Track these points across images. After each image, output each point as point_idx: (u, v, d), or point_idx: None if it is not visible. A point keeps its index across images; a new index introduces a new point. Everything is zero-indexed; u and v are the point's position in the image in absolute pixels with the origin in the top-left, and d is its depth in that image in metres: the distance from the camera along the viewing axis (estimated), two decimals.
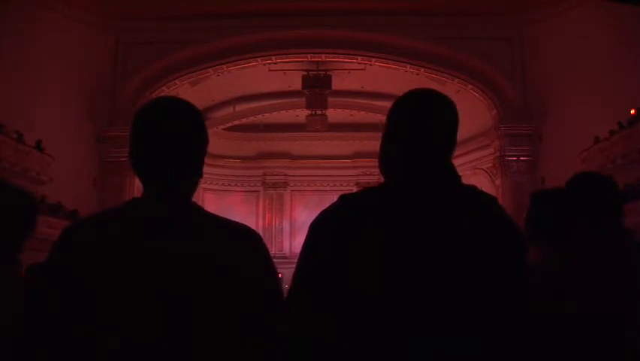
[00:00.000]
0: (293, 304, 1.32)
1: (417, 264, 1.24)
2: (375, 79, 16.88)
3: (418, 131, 1.37)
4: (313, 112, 17.97)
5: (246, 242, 1.35)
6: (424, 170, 1.35)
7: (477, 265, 1.25)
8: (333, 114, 18.61)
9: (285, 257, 19.41)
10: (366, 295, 1.24)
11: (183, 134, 1.37)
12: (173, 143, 1.34)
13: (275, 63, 16.14)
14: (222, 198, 20.45)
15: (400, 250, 1.25)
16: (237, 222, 1.40)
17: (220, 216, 1.39)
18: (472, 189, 1.38)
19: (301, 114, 18.85)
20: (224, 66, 15.72)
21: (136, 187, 15.15)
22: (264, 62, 15.89)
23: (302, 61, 16.45)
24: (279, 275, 1.39)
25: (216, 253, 1.28)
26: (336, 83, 17.05)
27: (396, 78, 15.80)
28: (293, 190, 22.64)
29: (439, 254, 1.25)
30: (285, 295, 1.35)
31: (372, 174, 21.51)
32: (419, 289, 1.23)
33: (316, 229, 1.36)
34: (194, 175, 1.40)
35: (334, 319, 1.26)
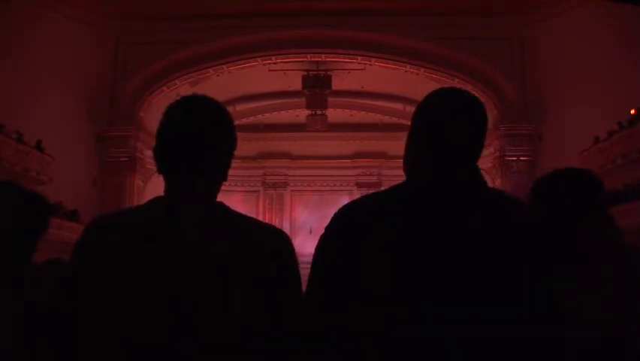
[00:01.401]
0: (309, 306, 1.30)
1: (431, 264, 1.24)
2: (375, 79, 16.88)
3: (444, 131, 1.35)
4: (313, 112, 17.96)
5: (270, 243, 1.33)
6: (449, 171, 1.34)
7: (494, 269, 1.24)
8: (333, 114, 18.60)
9: None
10: (376, 295, 1.24)
11: (206, 133, 1.34)
12: (195, 141, 1.32)
13: (275, 63, 16.15)
14: (222, 198, 20.20)
15: (415, 249, 1.25)
16: (265, 223, 1.39)
17: (247, 216, 1.38)
18: (500, 192, 1.38)
19: (301, 114, 18.84)
20: (224, 66, 15.73)
21: (135, 187, 15.17)
22: (264, 62, 15.89)
23: (302, 61, 16.44)
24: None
25: (233, 254, 1.27)
26: (336, 83, 17.04)
27: (397, 78, 15.82)
28: (293, 190, 22.63)
29: (455, 255, 1.24)
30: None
31: (372, 174, 21.52)
32: (431, 290, 1.22)
33: (331, 228, 1.35)
34: (219, 175, 1.38)
35: (346, 318, 1.26)
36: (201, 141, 1.33)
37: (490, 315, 1.22)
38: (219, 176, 1.39)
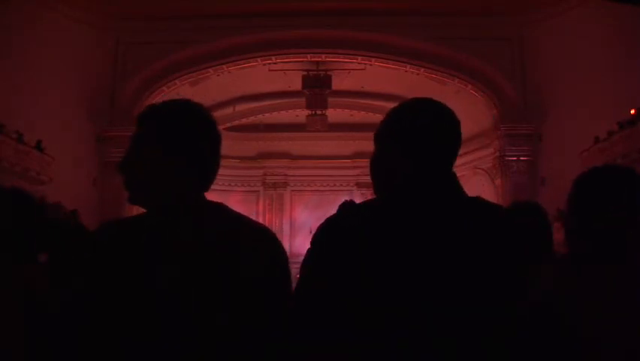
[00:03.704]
0: (296, 318, 1.30)
1: (428, 267, 1.24)
2: (375, 79, 16.87)
3: (430, 136, 1.39)
4: (313, 112, 17.95)
5: (256, 243, 1.33)
6: (432, 175, 1.36)
7: (480, 275, 1.25)
8: (333, 114, 18.59)
9: None
10: (377, 298, 1.24)
11: (198, 136, 1.37)
12: (172, 145, 1.34)
13: (275, 63, 16.13)
14: (222, 198, 19.88)
15: (412, 254, 1.25)
16: (253, 222, 1.40)
17: (235, 214, 1.39)
18: (478, 199, 1.40)
19: (301, 114, 18.83)
20: (224, 66, 15.71)
21: None
22: (264, 62, 15.87)
23: (302, 61, 16.43)
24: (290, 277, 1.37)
25: (219, 254, 1.27)
26: (336, 83, 17.03)
27: (396, 78, 15.80)
28: (293, 190, 22.62)
29: (451, 258, 1.25)
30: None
31: None
32: (431, 293, 1.22)
33: (317, 242, 1.35)
34: (210, 175, 1.40)
35: (334, 329, 1.25)
36: (192, 144, 1.35)
37: (492, 317, 1.22)
38: (210, 175, 1.41)
